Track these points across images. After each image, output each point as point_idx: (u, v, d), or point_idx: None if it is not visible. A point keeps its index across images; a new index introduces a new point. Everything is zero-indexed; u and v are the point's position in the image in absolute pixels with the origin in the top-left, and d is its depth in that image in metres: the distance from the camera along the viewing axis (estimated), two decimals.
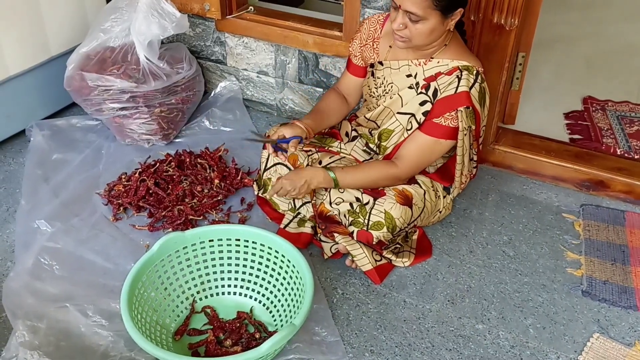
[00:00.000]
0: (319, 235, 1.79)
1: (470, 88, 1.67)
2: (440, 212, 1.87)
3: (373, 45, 1.83)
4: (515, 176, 2.16)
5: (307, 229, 1.81)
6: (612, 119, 2.50)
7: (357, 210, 1.70)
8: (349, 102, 1.97)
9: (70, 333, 1.51)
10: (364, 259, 1.70)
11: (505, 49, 1.95)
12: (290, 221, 1.84)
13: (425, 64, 1.73)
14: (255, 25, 2.33)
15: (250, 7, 2.40)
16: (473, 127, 1.72)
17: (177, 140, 2.29)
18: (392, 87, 1.80)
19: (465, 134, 1.71)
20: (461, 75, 1.67)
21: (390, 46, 1.79)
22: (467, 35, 1.94)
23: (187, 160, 2.09)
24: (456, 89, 1.67)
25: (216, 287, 1.63)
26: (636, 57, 3.03)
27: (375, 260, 1.72)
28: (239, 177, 2.05)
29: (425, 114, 1.73)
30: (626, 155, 2.24)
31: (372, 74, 1.85)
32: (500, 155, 2.17)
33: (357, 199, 1.72)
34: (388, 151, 1.84)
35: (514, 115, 2.32)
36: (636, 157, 2.23)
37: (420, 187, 1.78)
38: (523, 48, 2.13)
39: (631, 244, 1.85)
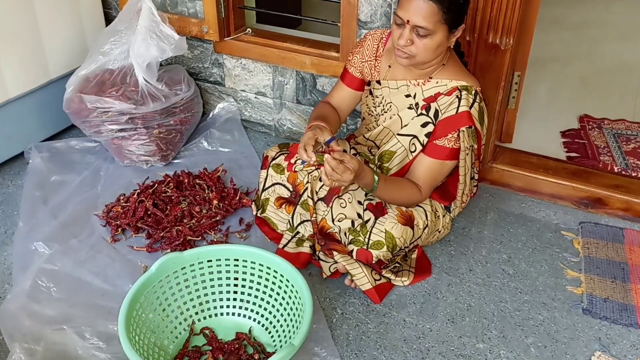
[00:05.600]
0: (317, 254, 1.79)
1: (471, 107, 1.68)
2: (439, 231, 1.87)
3: (375, 62, 1.83)
4: (513, 194, 2.16)
5: (305, 248, 1.81)
6: (609, 137, 2.51)
7: (358, 229, 1.70)
8: (340, 117, 1.94)
9: (68, 356, 1.50)
10: (363, 278, 1.69)
11: (501, 68, 1.97)
12: (289, 241, 1.83)
13: (424, 84, 1.74)
14: (253, 46, 2.35)
15: (248, 29, 2.42)
16: (475, 146, 1.72)
17: (175, 161, 2.30)
18: (390, 106, 1.80)
19: (468, 154, 1.71)
20: (461, 95, 1.68)
21: (389, 66, 1.80)
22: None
23: (186, 181, 2.09)
24: (457, 109, 1.68)
25: (215, 307, 1.62)
26: (631, 76, 3.06)
27: (375, 280, 1.71)
28: (237, 198, 2.06)
29: (428, 135, 1.73)
30: (623, 172, 2.24)
31: (371, 93, 1.86)
32: (498, 173, 2.17)
33: (359, 216, 1.71)
34: (391, 172, 1.84)
35: (511, 133, 2.34)
36: (633, 174, 2.24)
37: (422, 207, 1.78)
38: (519, 67, 2.14)
39: (630, 261, 1.85)
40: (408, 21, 1.57)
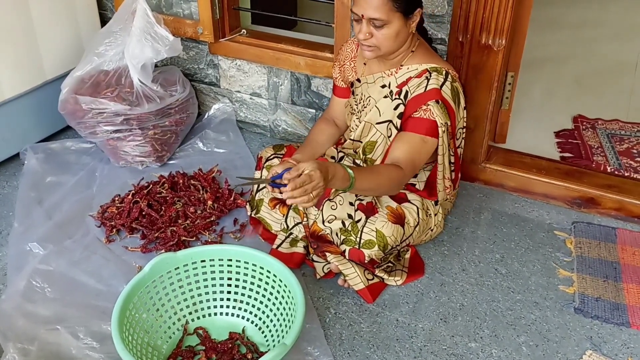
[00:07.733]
0: (311, 255, 1.79)
1: (441, 86, 1.70)
2: (431, 230, 1.88)
3: (351, 64, 1.89)
4: (506, 194, 2.17)
5: (299, 249, 1.81)
6: (602, 137, 2.52)
7: (349, 228, 1.71)
8: (339, 126, 2.01)
9: (61, 355, 1.51)
10: (356, 278, 1.70)
11: (494, 69, 1.98)
12: (283, 241, 1.84)
13: (397, 73, 1.77)
14: (248, 47, 2.36)
15: (243, 30, 2.43)
16: (449, 123, 1.72)
17: (170, 162, 2.31)
18: (369, 100, 1.83)
19: (444, 131, 1.71)
20: (430, 76, 1.71)
21: (365, 63, 1.85)
22: (456, 56, 1.98)
23: (181, 181, 2.10)
24: (425, 88, 1.70)
25: (208, 307, 1.62)
26: (626, 76, 3.06)
27: (368, 279, 1.72)
28: (232, 198, 2.06)
29: (399, 116, 1.75)
30: (616, 172, 2.25)
31: (353, 93, 1.89)
32: (491, 173, 2.18)
33: (349, 216, 1.72)
34: (376, 163, 1.84)
35: (505, 134, 2.34)
36: (626, 174, 2.24)
37: (413, 205, 1.79)
38: (512, 68, 2.15)
39: (623, 260, 1.85)
40: (363, 15, 1.62)
